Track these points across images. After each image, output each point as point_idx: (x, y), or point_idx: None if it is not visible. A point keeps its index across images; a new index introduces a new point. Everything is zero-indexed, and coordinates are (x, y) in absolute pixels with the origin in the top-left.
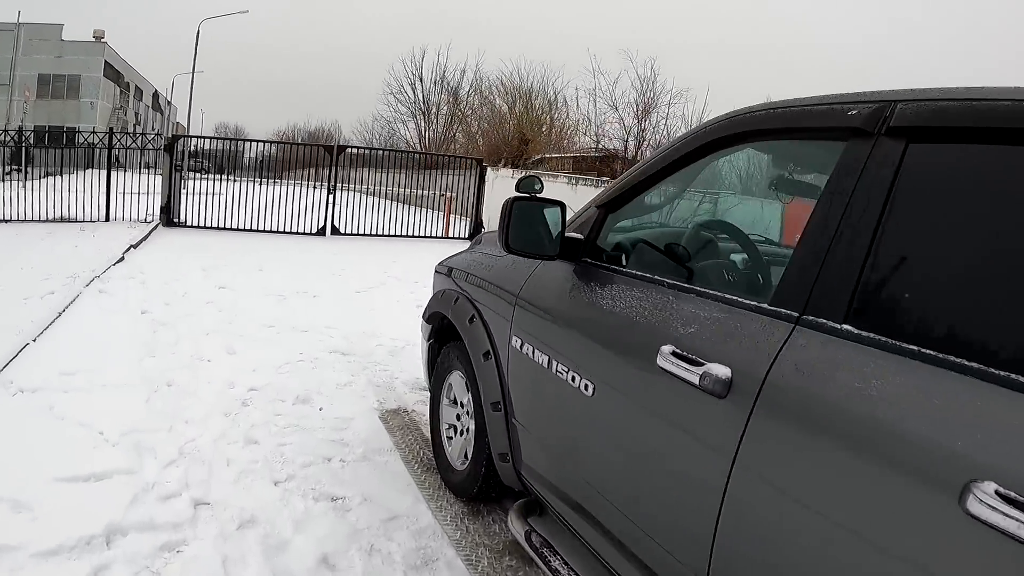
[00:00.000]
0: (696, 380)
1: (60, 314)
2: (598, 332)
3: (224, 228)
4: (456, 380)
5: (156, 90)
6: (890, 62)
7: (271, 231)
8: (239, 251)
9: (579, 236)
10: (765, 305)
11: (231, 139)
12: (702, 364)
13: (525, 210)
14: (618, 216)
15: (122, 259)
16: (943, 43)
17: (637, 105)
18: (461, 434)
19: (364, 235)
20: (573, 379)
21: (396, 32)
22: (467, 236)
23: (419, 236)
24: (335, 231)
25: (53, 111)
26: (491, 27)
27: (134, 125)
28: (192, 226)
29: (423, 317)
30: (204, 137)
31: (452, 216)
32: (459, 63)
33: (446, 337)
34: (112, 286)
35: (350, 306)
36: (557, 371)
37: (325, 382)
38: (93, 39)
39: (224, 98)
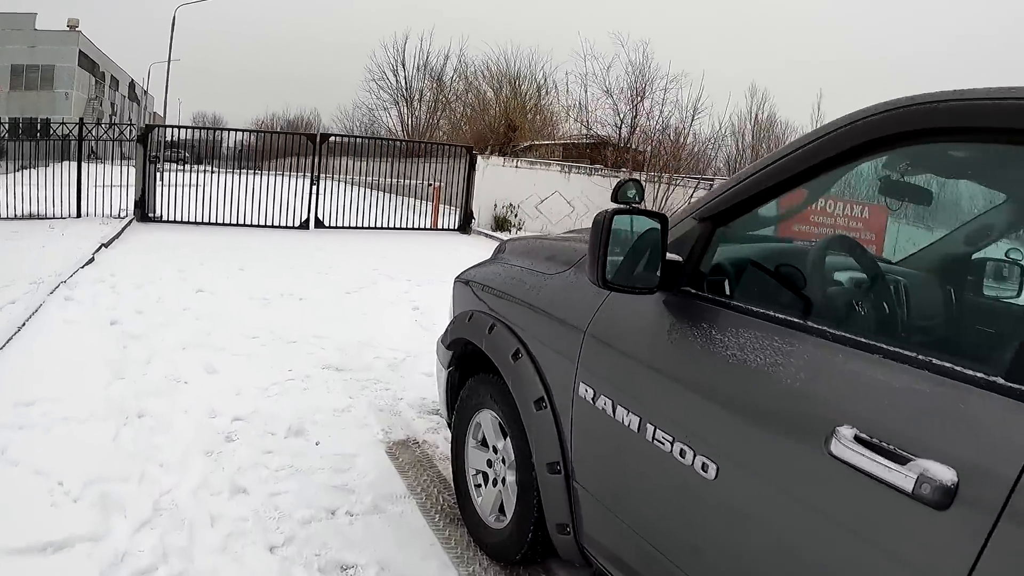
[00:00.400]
0: (905, 483)
1: (19, 329)
2: (724, 394)
3: (202, 223)
4: (487, 420)
5: (132, 80)
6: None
7: (252, 225)
8: (218, 248)
9: (677, 258)
10: (1000, 380)
11: (209, 128)
12: (910, 459)
13: (625, 228)
14: (729, 232)
15: (92, 260)
16: (948, 35)
17: (632, 90)
18: (494, 483)
19: (349, 228)
20: (681, 453)
21: (377, 17)
22: (456, 228)
23: (406, 228)
24: (319, 224)
25: (27, 103)
26: (476, 11)
27: (110, 116)
28: (168, 221)
29: (442, 341)
30: (180, 127)
31: (440, 207)
32: (443, 48)
33: (471, 365)
34: (80, 292)
35: (340, 310)
36: (655, 439)
37: (320, 407)
38: (67, 28)
39: (202, 87)
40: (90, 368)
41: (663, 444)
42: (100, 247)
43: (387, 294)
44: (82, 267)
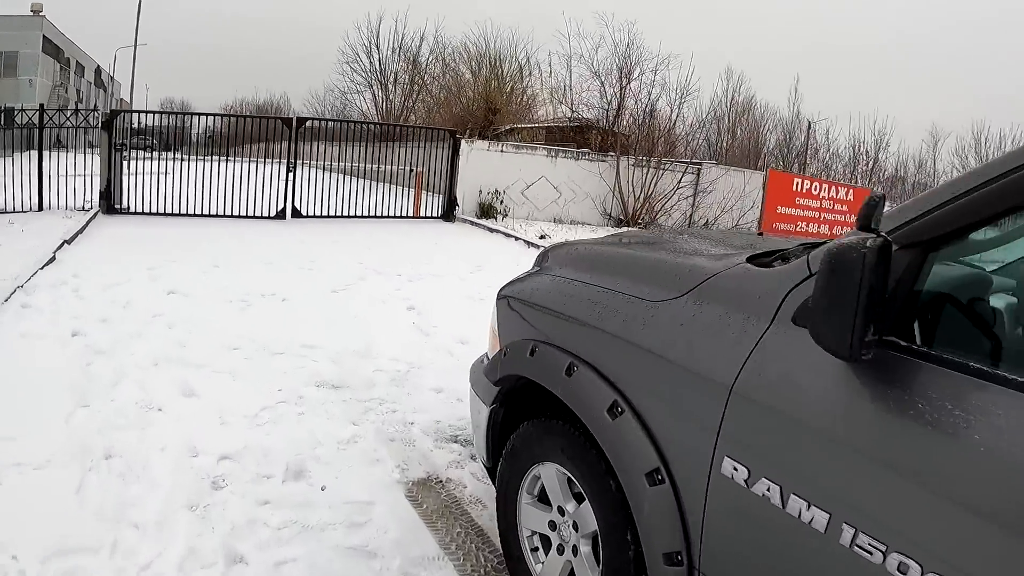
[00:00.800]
0: None
1: None
2: (965, 494)
3: (172, 214)
4: (552, 476)
5: (99, 66)
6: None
7: (225, 216)
8: (190, 242)
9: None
10: None
11: (178, 112)
12: None
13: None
14: (951, 257)
15: (53, 259)
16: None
17: (619, 71)
18: (559, 551)
19: (328, 217)
20: (901, 569)
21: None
22: (440, 215)
23: (388, 216)
24: (296, 213)
25: None
26: None
27: (76, 103)
28: (136, 213)
29: (487, 376)
30: (148, 112)
31: (423, 193)
32: (419, 28)
33: (522, 403)
34: (39, 298)
35: (329, 312)
36: (855, 545)
37: (321, 438)
38: (31, 13)
39: (169, 73)
40: (49, 394)
41: (870, 553)
42: (62, 244)
43: (377, 291)
44: (42, 268)
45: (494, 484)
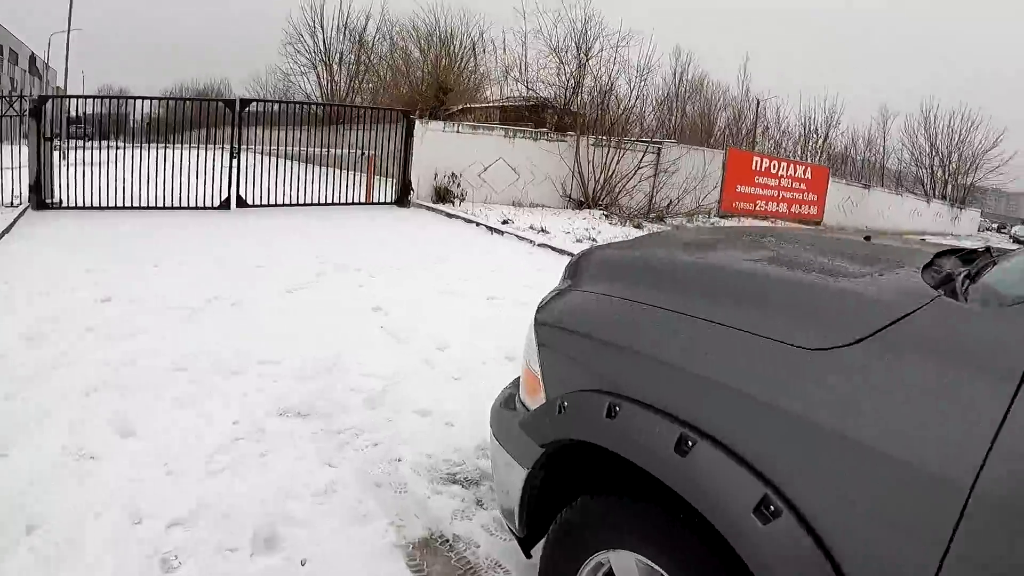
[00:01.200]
0: None
1: None
2: None
3: (108, 208)
4: (626, 565)
5: (33, 53)
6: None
7: (165, 208)
8: (128, 239)
9: None
10: None
11: (113, 97)
12: None
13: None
14: None
15: None
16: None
17: (578, 47)
18: None
19: (276, 206)
20: None
21: None
22: (394, 201)
23: (339, 203)
24: (242, 203)
25: None
26: None
27: (10, 91)
28: (70, 207)
29: (527, 432)
30: (80, 97)
31: (375, 178)
32: (365, 7)
33: (575, 469)
34: None
35: (286, 317)
36: None
37: (292, 487)
38: None
39: (107, 60)
40: None
41: None
42: None
43: (337, 290)
44: None
45: (523, 550)
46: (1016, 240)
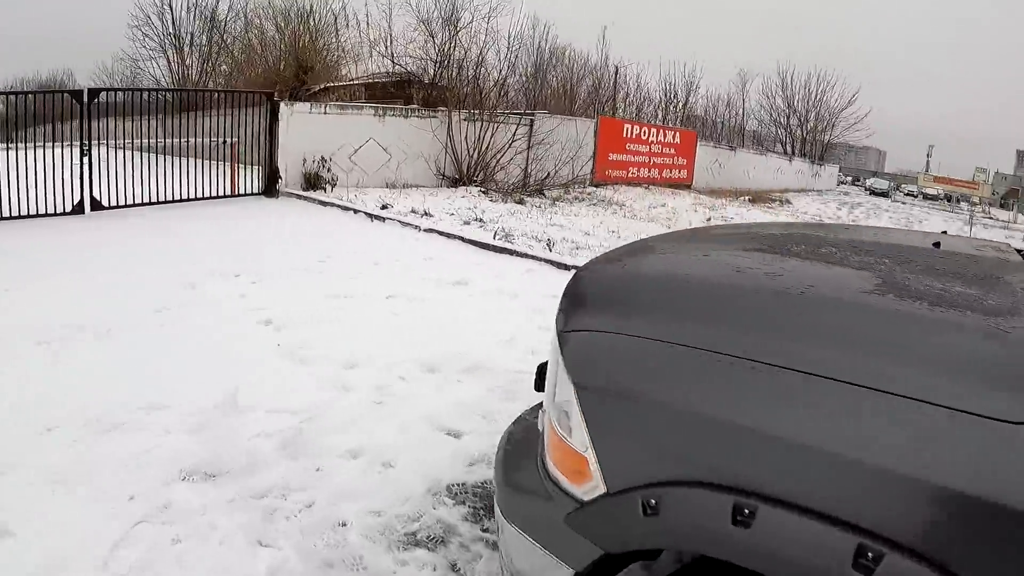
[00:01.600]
0: None
1: None
2: None
3: None
4: None
5: None
6: None
7: (9, 218)
8: None
9: None
10: None
11: None
12: None
13: None
14: None
15: None
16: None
17: (445, 19)
18: None
19: (135, 205)
20: None
21: None
22: (261, 191)
23: (203, 198)
24: (97, 205)
25: None
26: None
27: None
28: None
29: (575, 527)
30: None
31: (239, 167)
32: None
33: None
34: None
35: (161, 344)
36: None
37: None
38: None
39: None
40: None
41: None
42: None
43: (219, 304)
44: None
45: None
46: (871, 191)
